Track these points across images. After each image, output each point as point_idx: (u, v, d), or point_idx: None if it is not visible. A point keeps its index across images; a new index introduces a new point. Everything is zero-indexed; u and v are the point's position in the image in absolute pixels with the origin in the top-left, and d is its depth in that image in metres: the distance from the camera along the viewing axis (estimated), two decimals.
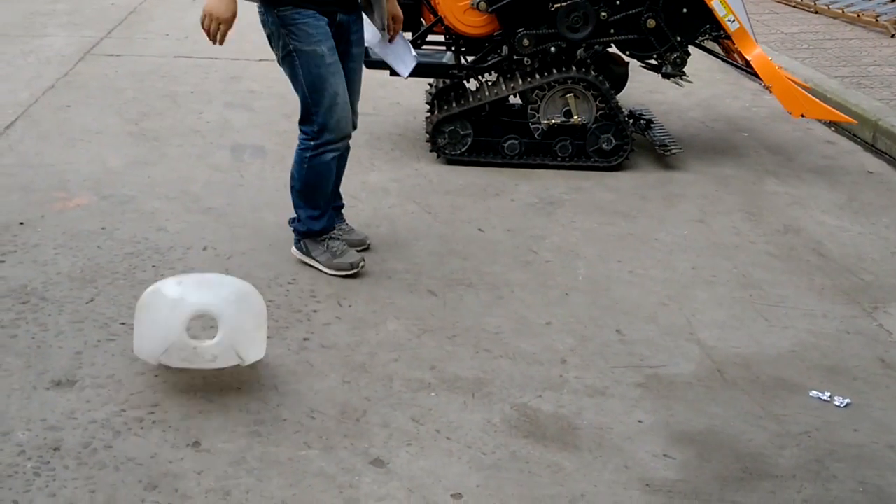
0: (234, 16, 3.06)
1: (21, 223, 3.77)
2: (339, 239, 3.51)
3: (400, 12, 3.55)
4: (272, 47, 3.32)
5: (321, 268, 3.46)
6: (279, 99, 5.43)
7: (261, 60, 6.01)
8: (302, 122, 3.38)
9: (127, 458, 2.45)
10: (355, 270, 3.44)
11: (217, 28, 3.05)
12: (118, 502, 2.30)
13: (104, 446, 2.50)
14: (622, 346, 3.08)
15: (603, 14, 4.40)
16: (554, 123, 4.51)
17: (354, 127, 3.51)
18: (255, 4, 3.24)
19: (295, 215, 3.52)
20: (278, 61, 3.34)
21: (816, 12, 7.64)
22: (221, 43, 3.11)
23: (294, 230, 3.53)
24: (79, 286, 3.31)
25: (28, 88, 5.45)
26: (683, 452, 2.54)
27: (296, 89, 3.34)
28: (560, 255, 3.73)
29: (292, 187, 3.48)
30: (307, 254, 3.50)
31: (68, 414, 2.62)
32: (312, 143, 3.36)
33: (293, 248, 3.56)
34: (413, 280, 3.48)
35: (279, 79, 5.74)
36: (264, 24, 3.27)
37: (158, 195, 4.12)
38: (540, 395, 2.80)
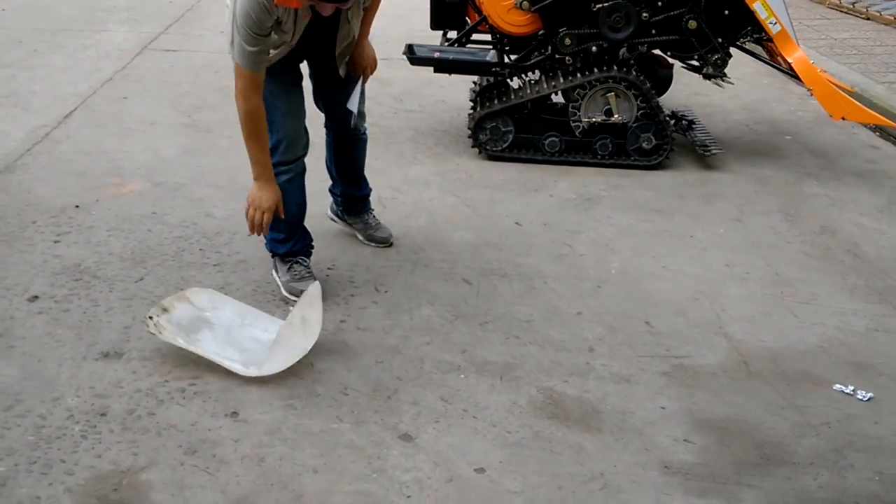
0: (276, 204, 3.03)
1: (77, 206, 3.95)
2: (303, 264, 3.36)
3: (366, 59, 3.34)
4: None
5: (280, 286, 3.35)
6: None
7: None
8: None
9: (169, 425, 2.58)
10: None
11: (261, 217, 3.02)
12: (159, 464, 2.43)
13: (147, 413, 2.63)
14: (650, 336, 3.14)
15: (644, 15, 4.45)
16: (595, 122, 4.57)
17: (356, 130, 3.48)
18: None
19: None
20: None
21: (868, 18, 7.56)
22: (265, 233, 3.12)
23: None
24: (129, 266, 3.46)
25: (87, 80, 5.67)
26: (703, 438, 2.59)
27: None
28: (595, 249, 3.79)
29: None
30: (273, 268, 3.41)
31: (115, 383, 2.77)
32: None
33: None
34: (448, 269, 3.57)
35: None
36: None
37: (208, 183, 4.27)
38: (566, 381, 2.87)
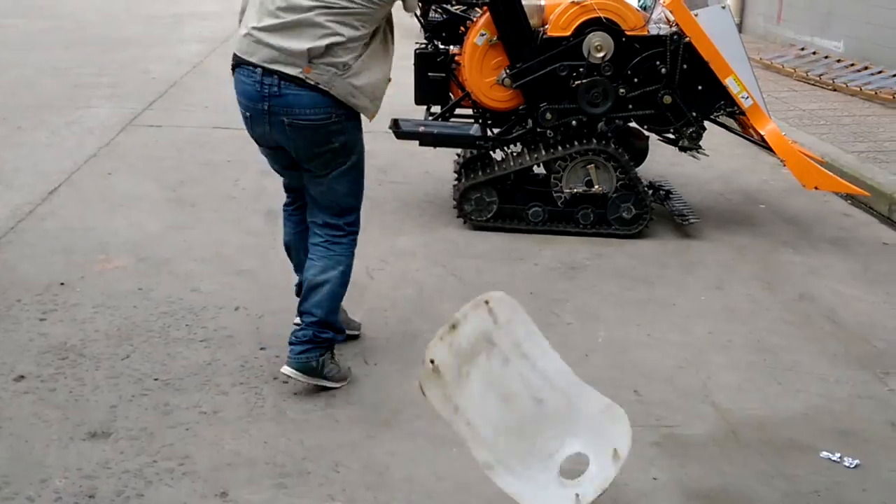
0: None
1: (62, 283, 3.95)
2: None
3: None
4: (335, 155, 3.04)
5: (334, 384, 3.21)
6: None
7: None
8: (344, 214, 3.23)
9: None
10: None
11: None
12: None
13: (136, 494, 2.61)
14: (640, 406, 3.16)
15: (622, 91, 4.59)
16: (576, 192, 4.67)
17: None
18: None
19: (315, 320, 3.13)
20: (334, 172, 3.09)
21: (835, 90, 7.81)
22: None
23: (325, 340, 3.15)
24: (115, 343, 3.46)
25: (71, 157, 5.71)
26: None
27: (347, 194, 3.18)
28: (581, 317, 3.84)
29: (335, 292, 3.19)
30: (323, 367, 3.16)
31: (103, 464, 2.74)
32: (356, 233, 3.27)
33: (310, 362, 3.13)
34: None
35: None
36: (336, 131, 3.02)
37: (193, 258, 4.29)
38: None
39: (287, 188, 3.48)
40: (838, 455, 2.89)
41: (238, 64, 3.04)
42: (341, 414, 3.06)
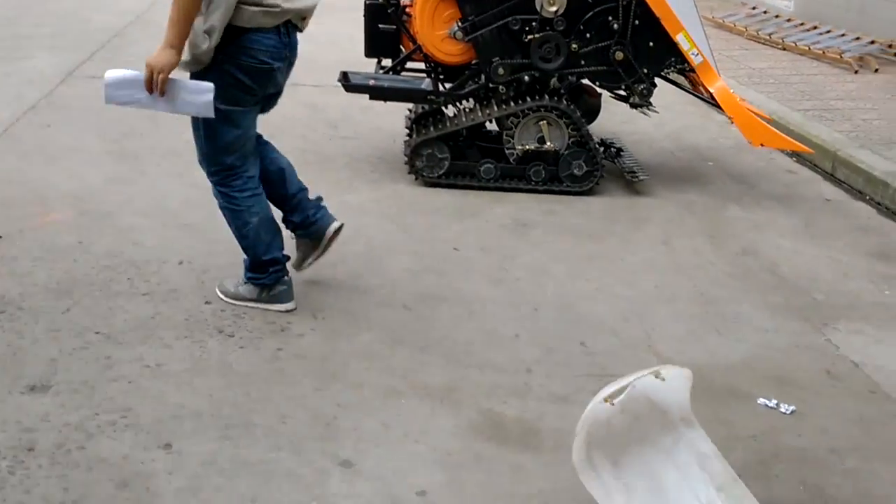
0: (173, 67, 2.97)
1: (0, 236, 3.84)
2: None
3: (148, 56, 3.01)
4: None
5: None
6: (259, 121, 5.54)
7: None
8: None
9: (99, 459, 2.53)
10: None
11: (159, 78, 2.94)
12: (90, 500, 2.37)
13: (77, 447, 2.57)
14: (585, 356, 3.20)
15: (574, 46, 4.58)
16: (528, 149, 4.66)
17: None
18: None
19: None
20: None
21: (784, 49, 7.89)
22: (162, 93, 2.96)
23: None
24: (55, 297, 3.38)
25: (9, 108, 5.53)
26: None
27: None
28: (531, 273, 3.86)
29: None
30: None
31: (43, 417, 2.69)
32: None
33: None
34: (388, 295, 3.59)
35: None
36: None
37: (136, 211, 4.21)
38: (505, 402, 2.90)
39: (248, 155, 3.32)
40: (775, 401, 2.96)
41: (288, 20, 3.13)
42: (288, 367, 3.04)
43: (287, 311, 3.37)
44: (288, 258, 3.43)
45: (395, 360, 3.11)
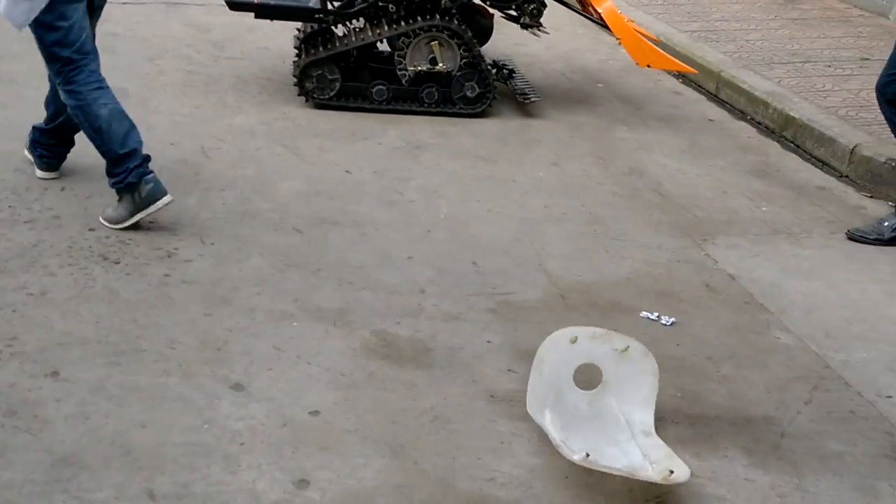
0: None
1: None
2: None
3: None
4: None
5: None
6: (142, 42, 5.33)
7: (124, 3, 5.84)
8: None
9: None
10: None
11: None
12: None
13: None
14: (477, 276, 3.27)
15: None
16: (420, 70, 4.62)
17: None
18: None
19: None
20: None
21: None
22: None
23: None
24: None
25: None
26: (525, 367, 2.74)
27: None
28: (424, 195, 3.88)
29: None
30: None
31: None
32: None
33: None
34: (278, 219, 3.55)
35: (142, 21, 5.66)
36: None
37: (15, 136, 3.99)
38: (398, 322, 2.95)
39: (87, 51, 3.31)
40: (656, 314, 3.10)
41: None
42: (177, 293, 3.00)
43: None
44: (148, 157, 3.34)
45: (286, 283, 3.11)
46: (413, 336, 2.88)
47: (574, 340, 2.50)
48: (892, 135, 3.95)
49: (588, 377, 2.57)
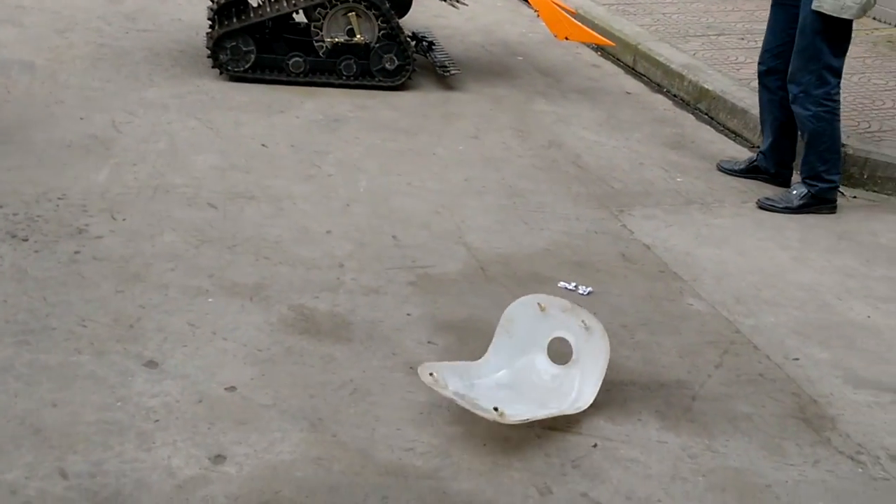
0: None
1: None
2: None
3: None
4: None
5: None
6: (51, 14, 5.14)
7: None
8: None
9: None
10: None
11: None
12: None
13: None
14: (397, 249, 3.26)
15: None
16: (337, 42, 4.56)
17: None
18: None
19: None
20: None
21: None
22: None
23: None
24: None
25: None
26: (445, 339, 2.77)
27: None
28: (343, 169, 3.84)
29: None
30: None
31: None
32: None
33: None
34: (192, 194, 3.47)
35: None
36: None
37: None
38: (317, 297, 2.92)
39: None
40: (574, 284, 3.15)
41: None
42: (88, 270, 2.91)
43: (85, 212, 3.17)
44: None
45: (201, 259, 3.04)
46: (332, 310, 2.86)
47: (543, 309, 2.54)
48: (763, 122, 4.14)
49: (559, 350, 2.59)
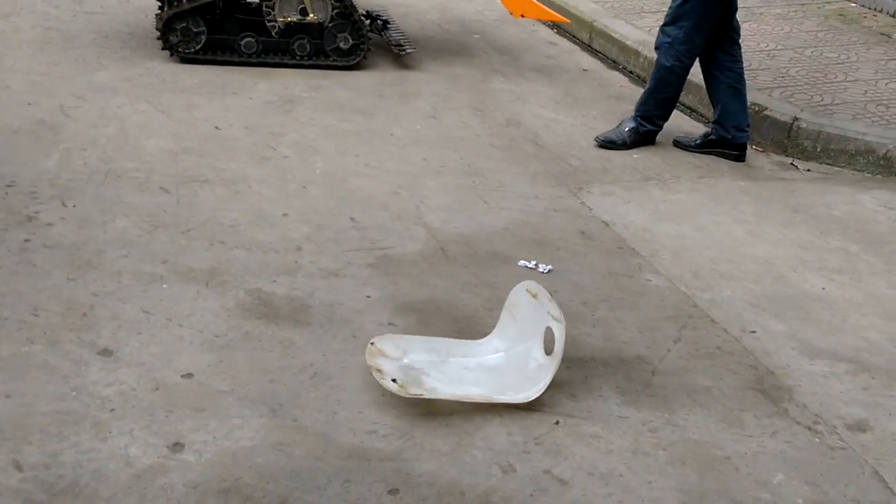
0: None
1: None
2: None
3: None
4: None
5: None
6: None
7: None
8: None
9: None
10: None
11: None
12: None
13: None
14: (356, 231, 3.23)
15: None
16: (290, 21, 4.50)
17: None
18: None
19: None
20: None
21: None
22: None
23: None
24: None
25: None
26: (406, 320, 2.75)
27: None
28: (299, 150, 3.79)
29: None
30: None
31: None
32: None
33: None
34: (144, 178, 3.40)
35: None
36: None
37: None
38: (275, 280, 2.89)
39: None
40: (534, 262, 3.15)
41: None
42: (38, 258, 2.84)
43: (35, 199, 3.09)
44: None
45: (155, 245, 2.99)
46: (290, 294, 2.83)
47: (534, 295, 2.55)
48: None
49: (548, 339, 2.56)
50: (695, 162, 4.15)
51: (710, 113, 4.49)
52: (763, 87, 4.68)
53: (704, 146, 4.25)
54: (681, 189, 3.89)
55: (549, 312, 2.53)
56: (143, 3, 5.07)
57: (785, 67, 4.97)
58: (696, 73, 4.84)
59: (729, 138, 4.20)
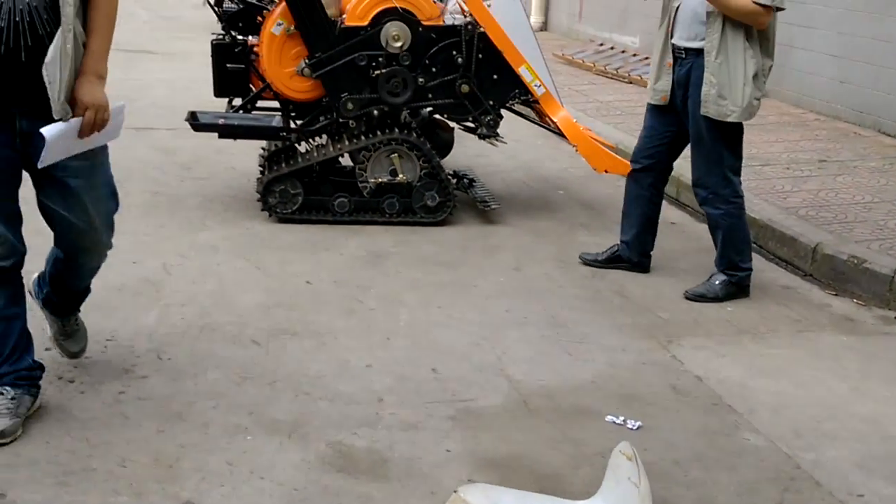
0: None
1: None
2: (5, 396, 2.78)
3: (86, 95, 2.62)
4: None
5: None
6: None
7: None
8: None
9: None
10: None
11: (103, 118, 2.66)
12: None
13: None
14: (437, 383, 3.22)
15: (420, 80, 4.67)
16: (381, 182, 4.70)
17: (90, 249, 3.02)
18: None
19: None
20: None
21: (630, 82, 8.29)
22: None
23: None
24: None
25: None
26: (487, 476, 2.68)
27: None
28: (384, 303, 3.87)
29: None
30: None
31: None
32: None
33: None
34: (237, 331, 3.52)
35: (109, 147, 5.73)
36: None
37: None
38: (355, 433, 2.88)
39: None
40: (622, 418, 3.05)
41: None
42: (130, 410, 2.93)
43: (132, 353, 3.23)
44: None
45: (242, 396, 3.04)
46: (370, 447, 2.81)
47: (630, 458, 2.51)
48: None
49: None
50: (792, 315, 4.02)
51: (808, 267, 4.38)
52: (861, 240, 4.56)
53: (610, 261, 4.35)
54: (778, 343, 3.75)
55: (629, 478, 2.43)
56: (247, 168, 5.40)
57: (882, 220, 4.86)
58: (787, 224, 4.77)
59: (635, 262, 4.32)
